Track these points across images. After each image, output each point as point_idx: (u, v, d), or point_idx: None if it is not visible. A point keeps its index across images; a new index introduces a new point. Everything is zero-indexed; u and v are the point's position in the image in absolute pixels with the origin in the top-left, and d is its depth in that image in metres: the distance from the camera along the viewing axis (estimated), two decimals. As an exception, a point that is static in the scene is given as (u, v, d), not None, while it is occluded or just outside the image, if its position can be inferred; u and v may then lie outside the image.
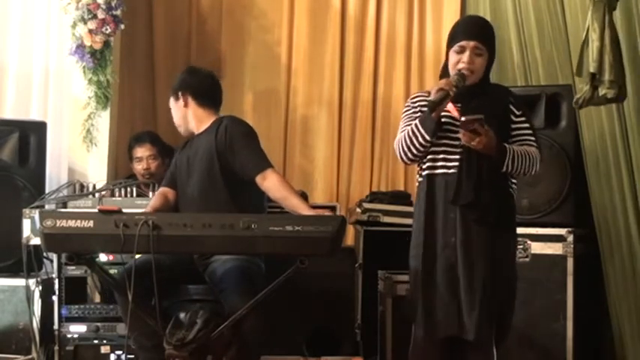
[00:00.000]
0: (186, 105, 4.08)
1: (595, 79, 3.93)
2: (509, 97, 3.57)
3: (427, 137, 3.46)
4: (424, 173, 3.56)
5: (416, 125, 3.49)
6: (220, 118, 4.05)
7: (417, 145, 3.49)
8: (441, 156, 3.51)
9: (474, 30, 3.54)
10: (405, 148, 3.52)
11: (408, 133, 3.51)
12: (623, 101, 4.09)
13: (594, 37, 3.91)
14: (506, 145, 3.44)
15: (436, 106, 3.40)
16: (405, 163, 3.61)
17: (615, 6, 3.95)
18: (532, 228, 4.34)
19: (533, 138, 3.55)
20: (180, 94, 4.09)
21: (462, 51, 3.49)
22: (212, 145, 3.92)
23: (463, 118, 3.37)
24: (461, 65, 3.48)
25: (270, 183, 3.80)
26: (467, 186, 3.42)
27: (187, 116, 4.09)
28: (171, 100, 4.15)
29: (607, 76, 3.89)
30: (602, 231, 4.40)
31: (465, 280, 3.43)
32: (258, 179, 3.81)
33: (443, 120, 3.50)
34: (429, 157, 3.54)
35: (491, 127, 3.38)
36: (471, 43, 3.48)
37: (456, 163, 3.46)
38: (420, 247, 3.53)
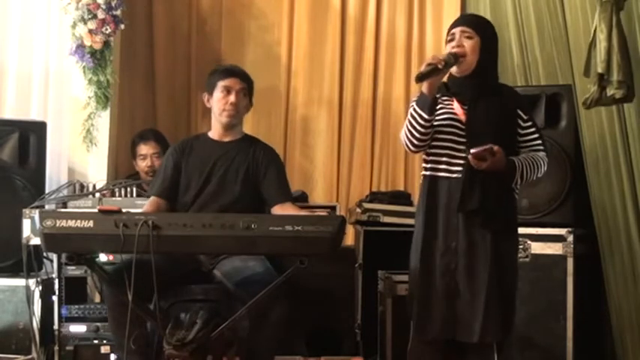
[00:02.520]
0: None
1: (603, 80, 3.92)
2: (516, 101, 3.56)
3: (425, 116, 3.44)
4: (426, 174, 3.56)
5: (414, 108, 3.49)
6: (250, 137, 4.14)
7: (418, 127, 3.47)
8: (444, 159, 3.50)
9: (462, 18, 3.66)
10: (409, 134, 3.51)
11: (408, 117, 3.52)
12: (631, 101, 4.08)
13: (602, 37, 3.91)
14: (516, 161, 3.44)
15: (424, 77, 3.41)
16: (411, 150, 3.59)
17: (623, 6, 3.94)
18: (532, 228, 4.34)
19: (540, 141, 3.55)
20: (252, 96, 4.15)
21: (453, 39, 3.54)
22: (248, 163, 3.98)
23: (472, 151, 3.38)
24: (451, 49, 3.52)
25: (282, 210, 3.90)
26: (472, 193, 3.41)
27: (242, 120, 4.15)
28: (247, 99, 4.10)
29: (615, 77, 3.89)
30: (602, 231, 4.40)
31: (466, 285, 3.44)
32: (276, 208, 3.92)
33: (447, 122, 3.51)
34: (431, 157, 3.54)
35: (495, 135, 3.40)
36: (459, 28, 3.53)
37: (460, 168, 3.45)
38: (418, 249, 3.54)
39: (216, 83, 4.05)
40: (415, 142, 3.50)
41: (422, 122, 3.45)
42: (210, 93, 4.06)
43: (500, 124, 3.47)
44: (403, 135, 3.55)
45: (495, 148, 3.37)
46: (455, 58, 3.47)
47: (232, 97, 4.01)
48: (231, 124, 4.04)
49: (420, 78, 3.41)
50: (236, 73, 4.10)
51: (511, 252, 3.52)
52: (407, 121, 3.52)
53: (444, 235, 3.48)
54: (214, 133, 4.10)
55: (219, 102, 4.04)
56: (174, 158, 4.06)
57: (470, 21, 3.61)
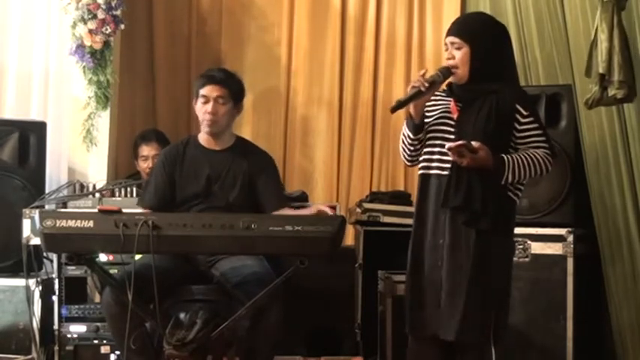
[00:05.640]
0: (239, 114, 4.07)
1: (604, 80, 3.92)
2: (516, 97, 3.47)
3: (411, 135, 3.51)
4: (420, 172, 3.57)
5: (404, 126, 3.54)
6: (242, 142, 4.05)
7: (407, 144, 3.55)
8: (437, 156, 3.50)
9: (452, 27, 3.57)
10: (402, 150, 3.61)
11: (401, 133, 3.58)
12: (632, 101, 4.08)
13: (603, 37, 3.91)
14: (505, 158, 3.38)
15: (404, 103, 3.43)
16: (407, 164, 3.66)
17: (624, 6, 3.94)
18: (532, 228, 4.33)
19: (542, 138, 3.47)
20: (242, 101, 4.03)
21: (447, 49, 3.52)
22: (244, 170, 3.92)
23: (447, 145, 3.37)
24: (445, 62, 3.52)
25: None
26: (457, 190, 3.39)
27: (231, 126, 4.02)
28: (230, 104, 3.93)
29: (616, 77, 3.89)
30: (602, 231, 4.40)
31: (449, 282, 3.42)
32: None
33: (440, 120, 3.50)
34: (425, 156, 3.55)
35: (485, 133, 3.38)
36: (449, 39, 3.50)
37: (450, 165, 3.44)
38: (410, 246, 3.56)
39: (197, 91, 3.95)
40: (407, 157, 3.60)
41: (409, 141, 3.54)
42: (195, 100, 3.98)
43: (492, 122, 3.41)
44: (400, 148, 3.62)
45: (476, 144, 3.33)
46: (445, 73, 3.46)
47: (209, 107, 3.89)
48: (213, 134, 3.95)
49: (398, 106, 3.41)
50: (214, 79, 3.93)
51: (499, 253, 3.45)
52: (400, 138, 3.60)
53: (433, 231, 3.48)
54: (204, 139, 4.00)
55: (199, 112, 3.95)
56: (167, 170, 3.98)
57: (458, 30, 3.51)
